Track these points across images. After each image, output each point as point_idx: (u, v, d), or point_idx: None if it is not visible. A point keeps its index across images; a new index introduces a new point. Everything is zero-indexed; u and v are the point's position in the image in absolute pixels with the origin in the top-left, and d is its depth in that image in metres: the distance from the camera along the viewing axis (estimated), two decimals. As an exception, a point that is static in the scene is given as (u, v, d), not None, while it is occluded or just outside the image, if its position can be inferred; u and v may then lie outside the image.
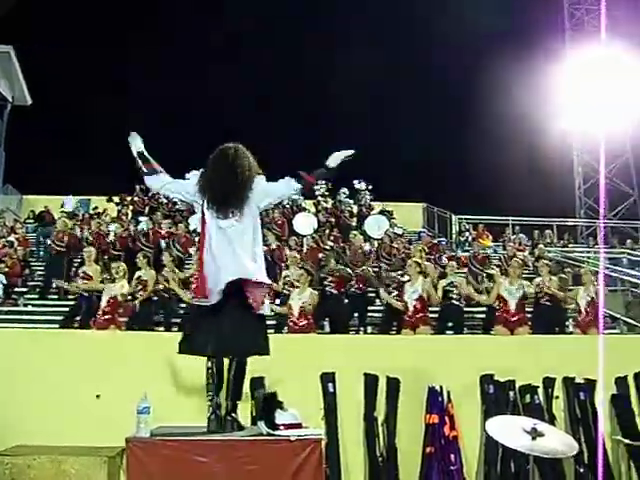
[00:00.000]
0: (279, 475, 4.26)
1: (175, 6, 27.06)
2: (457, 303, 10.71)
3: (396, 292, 10.55)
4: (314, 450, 4.32)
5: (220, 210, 4.84)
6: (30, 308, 13.14)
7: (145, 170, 5.15)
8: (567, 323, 11.00)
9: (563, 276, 11.80)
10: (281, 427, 4.44)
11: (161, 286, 11.03)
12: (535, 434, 3.92)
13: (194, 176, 5.13)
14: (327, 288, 11.29)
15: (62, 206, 20.24)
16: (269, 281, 5.02)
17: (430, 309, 10.54)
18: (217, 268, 4.73)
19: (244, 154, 5.05)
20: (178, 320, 10.87)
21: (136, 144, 5.25)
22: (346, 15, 27.47)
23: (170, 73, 27.22)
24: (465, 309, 11.61)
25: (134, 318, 10.56)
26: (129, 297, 10.28)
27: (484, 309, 11.76)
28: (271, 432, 4.46)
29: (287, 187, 5.16)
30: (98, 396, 6.99)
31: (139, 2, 27.08)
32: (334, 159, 5.22)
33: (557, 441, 4.05)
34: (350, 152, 5.22)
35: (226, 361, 4.96)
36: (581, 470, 7.37)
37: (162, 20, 27.53)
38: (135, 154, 5.24)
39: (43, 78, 25.22)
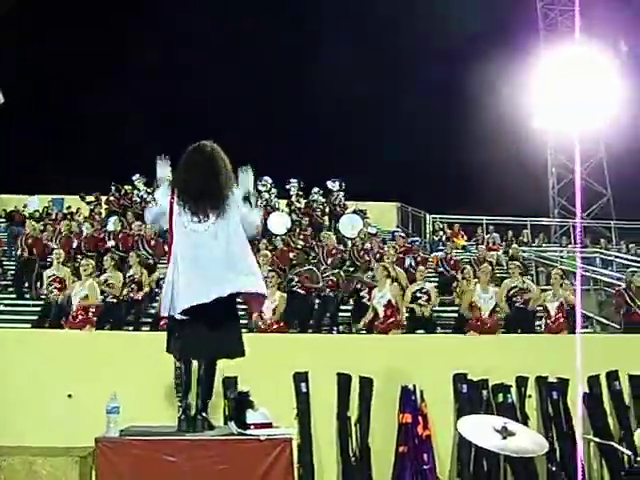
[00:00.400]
0: (249, 474, 4.22)
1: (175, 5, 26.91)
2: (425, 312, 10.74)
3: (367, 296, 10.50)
4: (284, 449, 4.29)
5: (196, 212, 4.62)
6: (2, 308, 13.00)
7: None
8: (538, 325, 11.06)
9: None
10: (251, 427, 4.40)
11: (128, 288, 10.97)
12: (506, 433, 3.93)
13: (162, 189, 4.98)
14: (294, 288, 11.25)
15: (25, 207, 20.07)
16: (261, 289, 4.75)
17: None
18: (187, 282, 4.53)
19: (220, 153, 4.84)
20: (149, 320, 10.78)
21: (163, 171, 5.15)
22: (331, 16, 27.51)
23: (170, 72, 27.10)
24: (436, 308, 11.71)
25: (102, 319, 10.47)
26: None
27: (456, 308, 11.79)
28: (241, 432, 4.43)
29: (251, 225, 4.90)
30: (70, 396, 6.95)
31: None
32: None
33: (527, 440, 4.07)
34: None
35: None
36: (553, 468, 7.46)
37: (161, 18, 27.43)
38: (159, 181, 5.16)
39: (15, 76, 25.00)
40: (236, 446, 4.34)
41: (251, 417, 4.42)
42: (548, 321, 9.97)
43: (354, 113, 26.50)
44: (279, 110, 26.18)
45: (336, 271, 12.01)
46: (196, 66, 26.69)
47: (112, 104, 24.02)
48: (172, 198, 4.72)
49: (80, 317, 9.42)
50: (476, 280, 10.11)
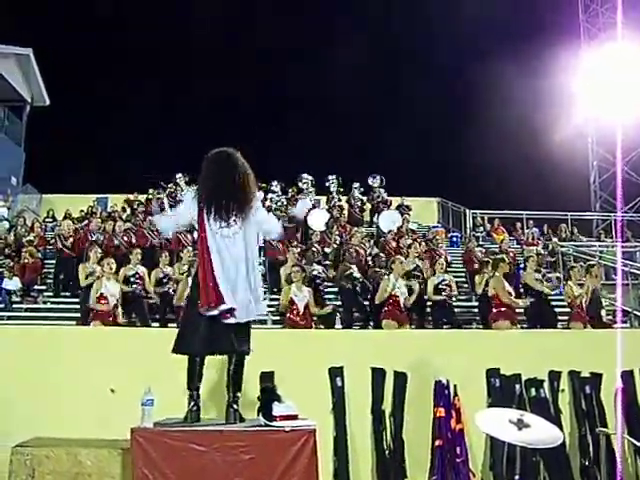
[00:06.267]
0: (275, 464, 4.44)
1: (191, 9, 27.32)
2: (447, 300, 11.14)
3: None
4: (308, 440, 4.50)
5: (224, 217, 4.85)
6: (49, 305, 13.35)
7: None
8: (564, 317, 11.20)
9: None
10: (277, 418, 4.62)
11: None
12: (521, 425, 4.05)
13: (188, 193, 5.26)
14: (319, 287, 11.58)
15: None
16: (260, 312, 5.09)
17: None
18: (231, 285, 4.81)
19: (240, 159, 5.06)
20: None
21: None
22: (345, 14, 27.75)
23: (183, 73, 27.52)
24: (463, 303, 11.97)
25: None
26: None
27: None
28: (268, 423, 4.64)
29: (273, 228, 5.28)
30: (113, 390, 7.17)
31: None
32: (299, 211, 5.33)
33: (542, 432, 4.17)
34: (309, 203, 5.35)
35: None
36: (586, 463, 7.47)
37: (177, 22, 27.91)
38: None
39: (61, 79, 25.54)
40: (263, 437, 4.56)
41: (277, 409, 4.62)
42: (579, 311, 10.16)
43: (395, 111, 26.61)
44: (315, 107, 26.40)
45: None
46: (206, 68, 27.06)
47: (154, 106, 24.47)
48: (201, 207, 4.94)
49: (107, 313, 9.85)
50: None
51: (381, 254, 13.02)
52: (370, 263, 13.04)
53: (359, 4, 27.67)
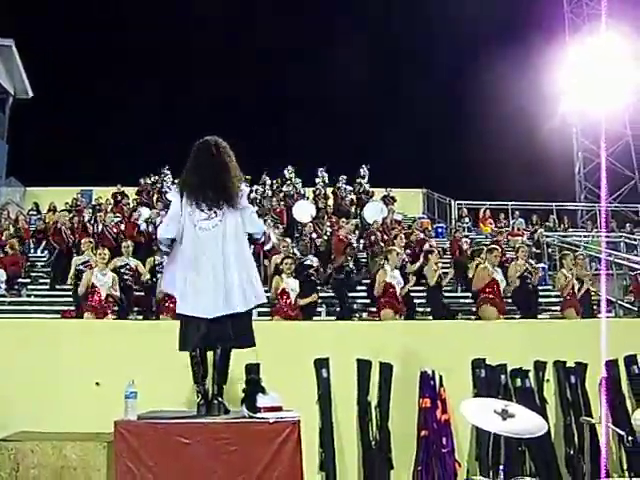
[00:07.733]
0: (259, 455, 4.42)
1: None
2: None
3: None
4: (292, 432, 4.48)
5: (204, 208, 4.77)
6: (33, 299, 13.29)
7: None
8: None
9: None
10: (261, 410, 4.59)
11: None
12: (506, 415, 4.06)
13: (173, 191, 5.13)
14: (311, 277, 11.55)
15: None
16: (260, 300, 4.99)
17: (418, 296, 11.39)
18: (196, 286, 4.74)
19: (226, 148, 5.00)
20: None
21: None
22: (345, 14, 27.74)
23: (173, 68, 27.41)
24: (449, 294, 12.15)
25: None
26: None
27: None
28: (252, 415, 4.61)
29: (254, 226, 5.03)
30: (98, 384, 7.13)
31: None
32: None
33: (526, 422, 4.19)
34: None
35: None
36: (571, 452, 7.51)
37: (171, 18, 27.80)
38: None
39: (44, 71, 25.34)
40: (247, 429, 4.54)
41: (261, 401, 4.61)
42: (569, 298, 10.22)
43: (395, 111, 26.66)
44: (304, 97, 26.37)
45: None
46: (198, 63, 26.97)
47: (141, 98, 24.36)
48: (182, 199, 4.87)
49: (100, 304, 9.77)
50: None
51: (381, 243, 13.08)
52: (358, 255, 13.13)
53: (359, 4, 27.75)
